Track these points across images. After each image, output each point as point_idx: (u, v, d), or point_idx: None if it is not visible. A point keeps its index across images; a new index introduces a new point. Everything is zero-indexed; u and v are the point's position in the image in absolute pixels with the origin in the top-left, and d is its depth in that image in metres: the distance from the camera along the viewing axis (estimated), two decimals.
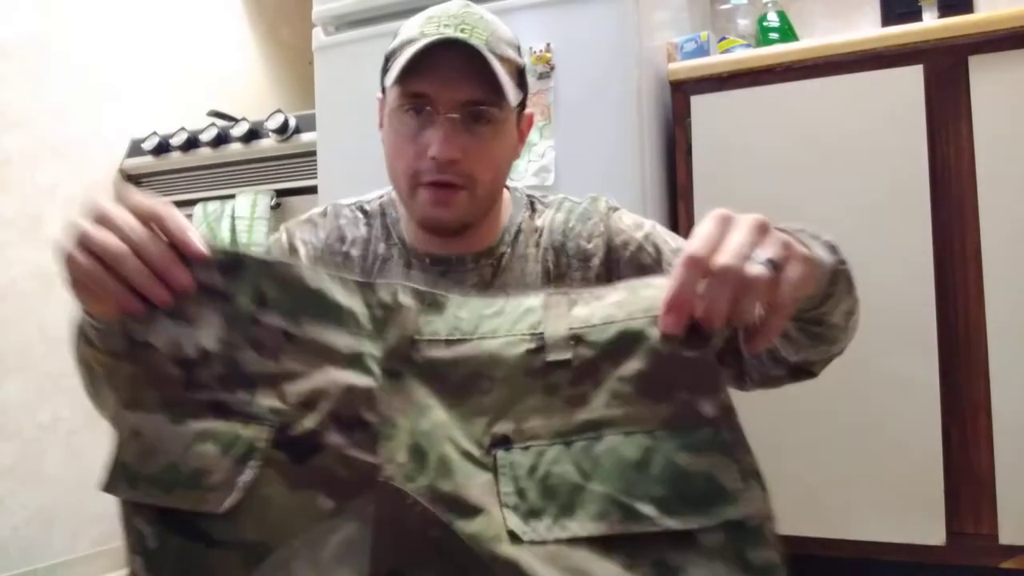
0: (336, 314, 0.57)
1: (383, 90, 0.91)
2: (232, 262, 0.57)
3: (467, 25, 0.84)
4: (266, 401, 0.55)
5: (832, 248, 0.70)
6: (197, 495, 0.53)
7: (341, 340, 0.57)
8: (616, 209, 0.95)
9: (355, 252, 0.94)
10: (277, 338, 0.56)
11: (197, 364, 0.55)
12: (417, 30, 0.85)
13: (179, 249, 0.55)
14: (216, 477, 0.53)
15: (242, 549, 0.52)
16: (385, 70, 0.89)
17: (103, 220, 0.55)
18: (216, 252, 0.57)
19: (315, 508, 0.53)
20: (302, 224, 0.97)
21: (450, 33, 0.82)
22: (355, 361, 0.56)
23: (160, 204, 0.56)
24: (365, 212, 0.98)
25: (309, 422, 0.54)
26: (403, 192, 0.89)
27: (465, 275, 0.92)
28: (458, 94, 0.83)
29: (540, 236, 0.94)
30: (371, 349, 0.57)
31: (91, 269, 0.54)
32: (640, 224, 0.93)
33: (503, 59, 0.84)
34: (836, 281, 0.69)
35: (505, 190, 0.98)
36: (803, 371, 0.80)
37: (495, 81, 0.82)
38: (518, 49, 0.89)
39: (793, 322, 0.71)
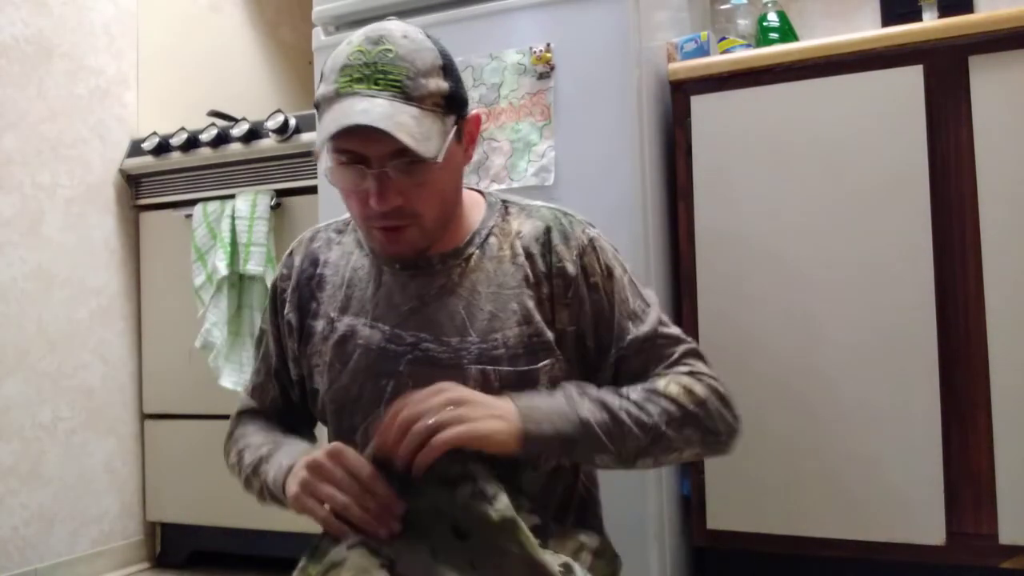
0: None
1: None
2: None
3: (381, 74, 0.82)
4: None
5: (603, 407, 0.86)
6: None
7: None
8: (593, 239, 0.96)
9: (327, 272, 1.00)
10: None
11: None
12: (332, 85, 0.84)
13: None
14: None
15: None
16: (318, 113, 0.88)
17: (323, 473, 0.83)
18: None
19: None
20: (285, 257, 1.05)
21: (362, 89, 0.82)
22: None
23: (366, 466, 0.83)
24: (339, 232, 1.04)
25: None
26: (361, 232, 0.95)
27: (433, 277, 0.94)
28: (383, 148, 0.82)
29: (517, 238, 0.95)
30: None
31: (324, 515, 0.83)
32: (611, 268, 0.96)
33: (423, 98, 0.83)
34: (581, 439, 0.85)
35: (477, 194, 1.00)
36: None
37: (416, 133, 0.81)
38: (443, 68, 0.86)
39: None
